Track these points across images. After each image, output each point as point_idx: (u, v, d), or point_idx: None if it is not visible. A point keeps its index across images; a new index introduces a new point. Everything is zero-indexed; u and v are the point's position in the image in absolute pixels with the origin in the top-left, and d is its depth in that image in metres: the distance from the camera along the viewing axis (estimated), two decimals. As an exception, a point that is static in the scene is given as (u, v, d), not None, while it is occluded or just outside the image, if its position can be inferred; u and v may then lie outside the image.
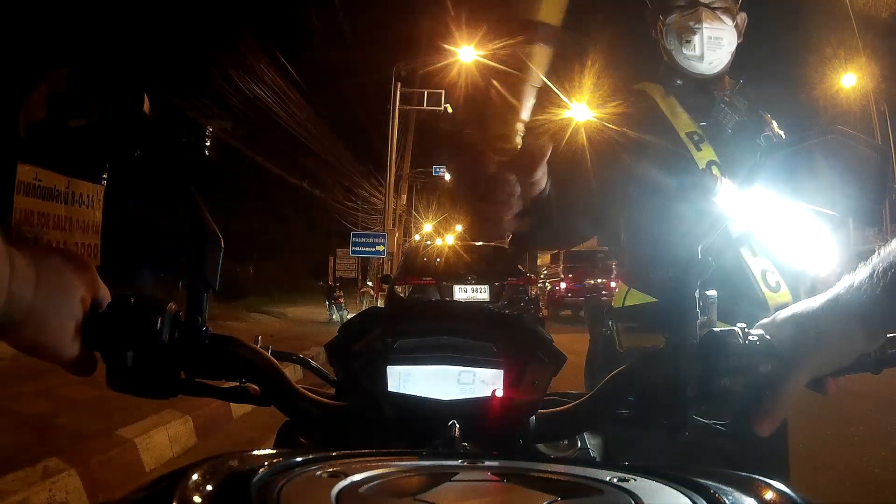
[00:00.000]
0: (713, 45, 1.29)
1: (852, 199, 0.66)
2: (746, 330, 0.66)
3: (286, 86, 16.34)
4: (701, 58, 1.29)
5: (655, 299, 1.28)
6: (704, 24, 1.27)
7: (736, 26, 1.33)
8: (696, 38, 1.28)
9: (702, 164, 1.24)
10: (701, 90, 1.34)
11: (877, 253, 0.60)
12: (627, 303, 1.33)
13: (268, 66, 15.41)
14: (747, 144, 1.28)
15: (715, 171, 1.24)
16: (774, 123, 1.37)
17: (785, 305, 1.20)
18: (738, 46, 1.37)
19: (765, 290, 1.20)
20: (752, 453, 1.12)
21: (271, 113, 16.41)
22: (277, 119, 16.79)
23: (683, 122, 1.30)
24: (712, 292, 0.71)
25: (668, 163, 1.25)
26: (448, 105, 17.78)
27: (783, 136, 1.34)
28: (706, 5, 1.28)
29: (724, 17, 1.29)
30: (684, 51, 1.30)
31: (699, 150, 1.26)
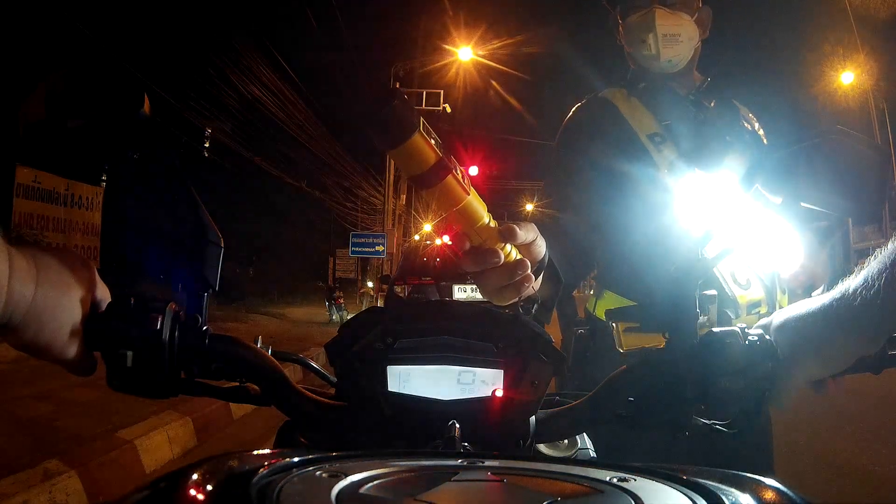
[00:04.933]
0: (669, 42, 1.29)
1: (852, 199, 0.66)
2: (746, 330, 0.66)
3: (284, 86, 16.34)
4: (657, 56, 1.29)
5: (632, 302, 1.29)
6: (657, 22, 1.27)
7: (698, 20, 1.32)
8: (651, 37, 1.28)
9: (663, 167, 1.25)
10: (665, 89, 1.34)
11: (873, 256, 0.60)
12: (602, 305, 1.34)
13: (266, 67, 15.41)
14: (715, 142, 1.28)
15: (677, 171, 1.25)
16: (753, 119, 1.38)
17: (757, 303, 1.22)
18: (710, 41, 1.37)
19: (734, 287, 1.21)
20: (739, 450, 1.14)
21: (270, 113, 16.40)
22: (276, 119, 16.79)
23: (645, 124, 1.30)
24: (712, 292, 0.71)
25: (629, 165, 1.27)
26: (447, 105, 17.78)
27: (759, 132, 1.35)
28: (661, 2, 1.28)
29: (681, 13, 1.29)
30: (643, 51, 1.31)
31: (660, 151, 1.27)
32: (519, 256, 0.69)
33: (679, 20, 1.29)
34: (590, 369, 1.28)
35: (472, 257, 0.66)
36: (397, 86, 16.91)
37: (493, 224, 0.65)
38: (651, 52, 1.29)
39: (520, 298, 0.72)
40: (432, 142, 0.57)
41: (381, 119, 0.55)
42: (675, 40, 1.29)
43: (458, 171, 0.60)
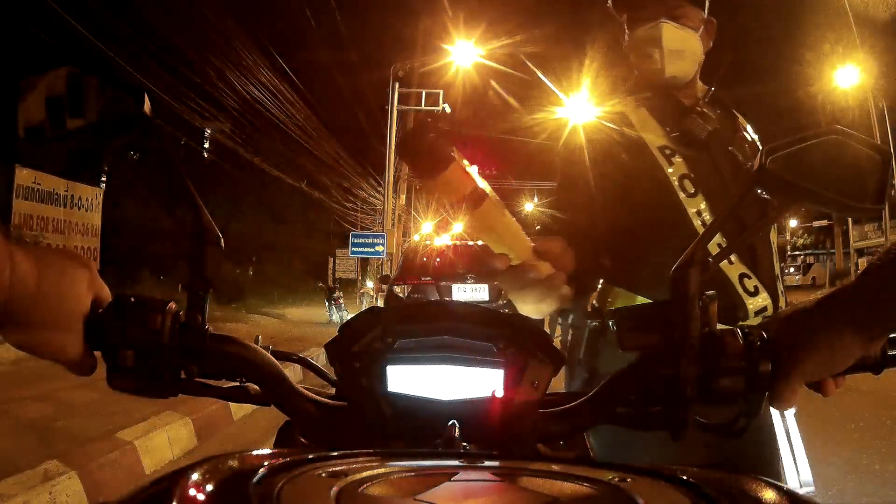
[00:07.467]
0: (675, 58, 1.29)
1: (852, 199, 0.66)
2: (746, 330, 0.66)
3: (284, 87, 16.35)
4: (663, 71, 1.30)
5: (646, 299, 1.29)
6: (665, 37, 1.27)
7: (702, 35, 1.32)
8: (657, 53, 1.28)
9: (674, 179, 1.26)
10: (671, 101, 1.34)
11: (873, 256, 0.60)
12: (613, 302, 1.34)
13: (265, 67, 15.41)
14: (720, 154, 1.29)
15: (688, 184, 1.25)
16: (749, 127, 1.38)
17: (763, 309, 1.22)
18: (715, 48, 1.37)
19: (743, 294, 1.21)
20: (740, 450, 1.13)
21: (270, 114, 16.42)
22: (276, 120, 16.81)
23: (655, 136, 1.30)
24: (712, 292, 0.71)
25: (642, 175, 1.27)
26: (446, 104, 17.79)
27: (755, 140, 1.36)
28: (667, 17, 1.28)
29: (688, 28, 1.29)
30: (648, 65, 1.31)
31: (671, 164, 1.27)
32: (553, 270, 0.70)
33: (685, 35, 1.29)
34: (600, 364, 1.28)
35: (513, 275, 0.67)
36: (397, 86, 16.91)
37: (527, 242, 0.67)
38: (657, 66, 1.30)
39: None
40: (468, 170, 0.58)
41: (418, 152, 0.57)
42: (681, 56, 1.29)
43: (493, 195, 0.61)
